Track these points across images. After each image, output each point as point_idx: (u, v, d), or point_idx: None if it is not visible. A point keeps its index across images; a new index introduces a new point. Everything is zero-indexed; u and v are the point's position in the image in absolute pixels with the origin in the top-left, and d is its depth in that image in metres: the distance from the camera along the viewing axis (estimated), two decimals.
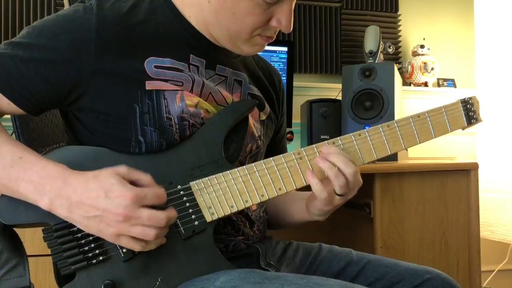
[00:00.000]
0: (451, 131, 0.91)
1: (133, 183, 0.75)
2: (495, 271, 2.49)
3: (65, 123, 0.89)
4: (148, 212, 0.72)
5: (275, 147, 1.08)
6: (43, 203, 0.74)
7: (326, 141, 0.86)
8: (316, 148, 0.86)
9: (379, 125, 0.89)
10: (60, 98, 0.82)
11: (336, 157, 0.83)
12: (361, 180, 0.87)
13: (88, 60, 0.80)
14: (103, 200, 0.71)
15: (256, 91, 0.99)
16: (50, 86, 0.80)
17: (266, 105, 1.01)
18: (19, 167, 0.75)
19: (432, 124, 0.90)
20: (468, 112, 0.91)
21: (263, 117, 0.99)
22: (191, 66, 0.88)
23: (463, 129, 0.92)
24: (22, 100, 0.81)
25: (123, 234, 0.73)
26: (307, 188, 0.86)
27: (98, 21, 0.81)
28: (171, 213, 0.76)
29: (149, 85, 0.82)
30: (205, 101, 0.88)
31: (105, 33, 0.80)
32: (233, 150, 0.88)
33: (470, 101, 0.91)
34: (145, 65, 0.83)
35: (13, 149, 0.76)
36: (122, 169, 0.76)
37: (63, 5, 1.87)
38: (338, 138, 0.87)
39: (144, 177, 0.77)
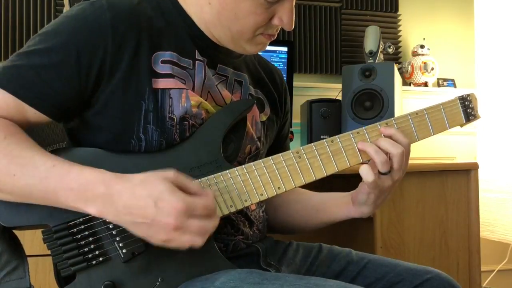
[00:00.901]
0: (449, 128, 0.91)
1: (182, 189, 0.73)
2: (495, 271, 2.48)
3: (64, 122, 0.89)
4: (198, 223, 0.71)
5: (278, 146, 1.08)
6: (92, 211, 0.72)
7: (324, 140, 0.86)
8: (315, 146, 0.86)
9: (377, 123, 0.89)
10: (85, 97, 0.81)
11: (380, 139, 0.86)
12: (407, 164, 0.88)
13: (106, 56, 0.79)
14: (153, 209, 0.70)
15: (256, 92, 0.99)
16: (74, 87, 0.79)
17: (267, 106, 1.00)
18: (55, 176, 0.72)
19: (430, 121, 0.90)
20: (466, 109, 0.91)
21: (264, 118, 0.99)
22: (196, 61, 0.88)
23: (461, 126, 0.92)
24: (49, 108, 0.79)
25: (172, 240, 0.72)
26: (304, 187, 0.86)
27: (112, 17, 0.80)
28: (217, 222, 0.75)
29: (156, 83, 0.82)
30: (206, 100, 0.88)
31: (119, 28, 0.80)
32: (232, 150, 0.88)
33: (468, 98, 0.91)
34: (152, 60, 0.83)
35: (44, 158, 0.74)
36: (171, 174, 0.74)
37: (63, 5, 1.87)
38: (337, 136, 0.87)
39: (192, 186, 0.75)
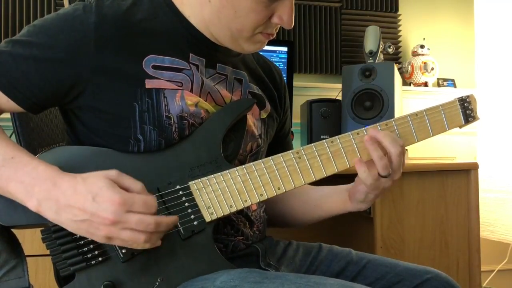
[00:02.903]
0: (448, 129, 0.91)
1: (124, 189, 0.73)
2: (495, 271, 2.48)
3: (65, 121, 0.89)
4: (136, 217, 0.71)
5: (280, 144, 1.08)
6: (31, 204, 0.73)
7: (324, 140, 0.86)
8: (315, 147, 0.86)
9: (377, 124, 0.89)
10: (59, 97, 0.82)
11: (384, 135, 0.85)
12: (405, 161, 0.89)
13: (87, 59, 0.80)
14: (90, 204, 0.70)
15: (256, 90, 0.99)
16: (50, 84, 0.80)
17: (267, 103, 1.00)
18: (10, 167, 0.74)
19: (430, 122, 0.90)
20: (466, 111, 0.91)
21: (264, 115, 0.99)
22: (191, 64, 0.88)
23: (460, 127, 0.92)
24: (22, 98, 0.80)
25: (113, 237, 0.72)
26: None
27: (97, 19, 0.81)
28: (162, 218, 0.74)
29: (149, 84, 0.82)
30: (205, 101, 0.88)
31: (104, 31, 0.80)
32: (232, 149, 0.88)
33: (467, 99, 0.92)
34: (143, 64, 0.83)
35: (6, 149, 0.75)
36: (112, 173, 0.74)
37: (63, 5, 1.87)
38: (337, 137, 0.87)
39: (135, 185, 0.75)
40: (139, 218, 0.71)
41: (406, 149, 0.91)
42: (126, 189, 0.74)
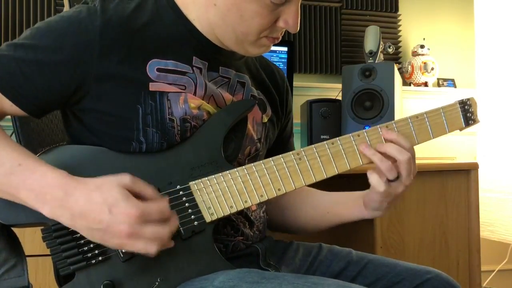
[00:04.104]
0: (449, 132, 0.91)
1: (137, 195, 0.73)
2: (495, 271, 2.48)
3: (65, 122, 0.89)
4: (151, 229, 0.71)
5: (282, 145, 1.08)
6: (45, 212, 0.72)
7: (325, 142, 0.86)
8: (315, 148, 0.86)
9: (378, 126, 0.89)
10: (63, 100, 0.82)
11: (388, 145, 0.85)
12: (416, 167, 0.88)
13: (92, 62, 0.79)
14: (107, 215, 0.70)
15: (258, 94, 0.98)
16: (54, 88, 0.80)
17: (268, 107, 1.00)
18: (19, 175, 0.73)
19: (430, 125, 0.90)
20: (466, 113, 0.91)
21: (265, 119, 0.99)
22: (194, 68, 0.87)
23: (460, 130, 0.92)
24: (25, 103, 0.80)
25: (126, 247, 0.72)
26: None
27: (103, 23, 0.80)
28: (173, 225, 0.75)
29: (153, 87, 0.82)
30: (207, 103, 0.88)
31: (109, 35, 0.80)
32: (232, 149, 0.88)
33: (468, 102, 0.92)
34: (147, 68, 0.82)
35: (12, 154, 0.74)
36: (126, 179, 0.73)
37: (63, 5, 1.87)
38: (337, 138, 0.87)
39: (147, 191, 0.75)
40: (154, 231, 0.71)
41: None
42: (139, 194, 0.74)
